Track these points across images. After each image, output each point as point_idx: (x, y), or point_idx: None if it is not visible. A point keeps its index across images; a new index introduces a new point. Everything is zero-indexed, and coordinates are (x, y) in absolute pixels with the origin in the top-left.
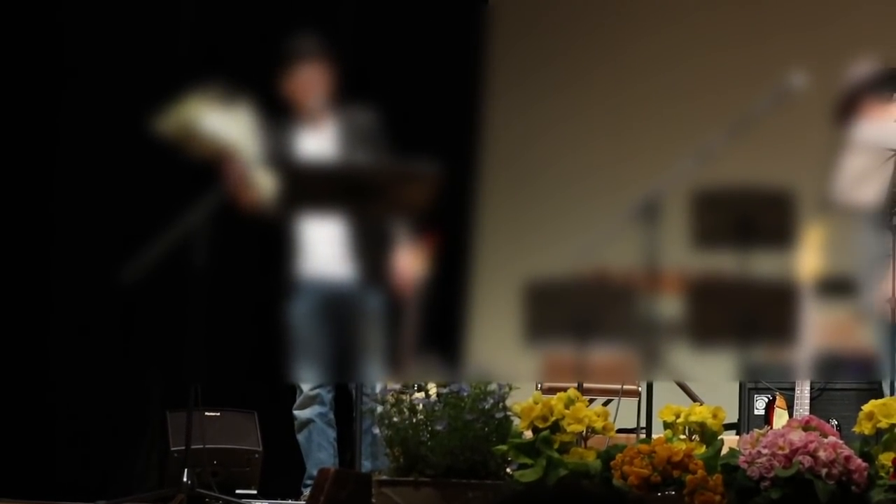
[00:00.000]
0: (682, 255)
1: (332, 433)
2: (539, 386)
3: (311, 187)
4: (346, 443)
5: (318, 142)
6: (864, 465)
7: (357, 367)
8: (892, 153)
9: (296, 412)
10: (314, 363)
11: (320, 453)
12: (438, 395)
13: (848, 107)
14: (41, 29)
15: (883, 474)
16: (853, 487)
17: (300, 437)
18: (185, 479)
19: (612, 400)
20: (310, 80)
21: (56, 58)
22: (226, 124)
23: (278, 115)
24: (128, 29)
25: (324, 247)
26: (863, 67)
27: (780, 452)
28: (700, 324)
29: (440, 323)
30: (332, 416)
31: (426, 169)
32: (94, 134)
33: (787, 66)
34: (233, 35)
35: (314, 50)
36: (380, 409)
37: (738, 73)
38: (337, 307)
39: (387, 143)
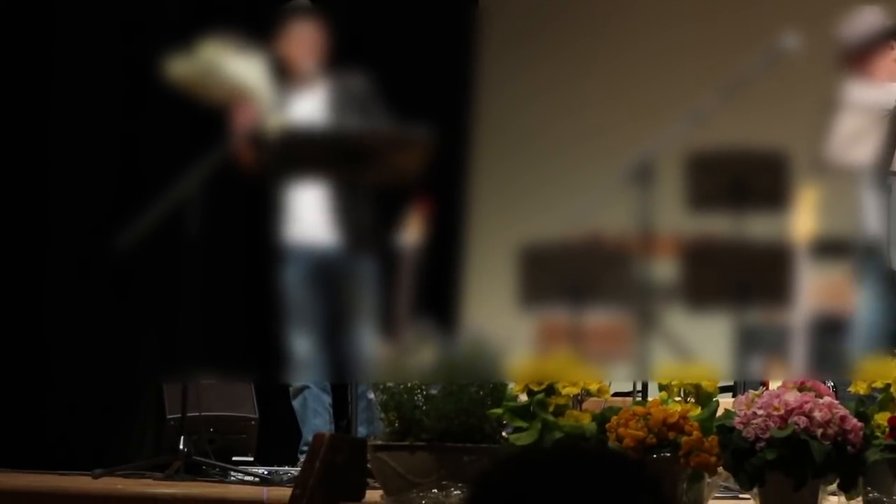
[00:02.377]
0: (676, 218)
1: (327, 399)
2: None
3: (303, 152)
4: (342, 408)
5: (309, 105)
6: (859, 425)
7: (350, 333)
8: (886, 113)
9: None
10: (307, 336)
11: (316, 419)
12: None
13: (858, 58)
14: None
15: (879, 434)
16: (849, 447)
17: (295, 403)
18: (181, 447)
19: None
20: (303, 42)
21: (48, 22)
22: (246, 68)
23: (275, 76)
24: None
25: (311, 212)
26: (870, 17)
27: (775, 413)
28: (695, 286)
29: (434, 289)
30: (326, 381)
31: (419, 134)
32: (87, 100)
33: (779, 27)
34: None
35: (308, 11)
36: None
37: (730, 35)
38: (327, 273)
39: (381, 110)
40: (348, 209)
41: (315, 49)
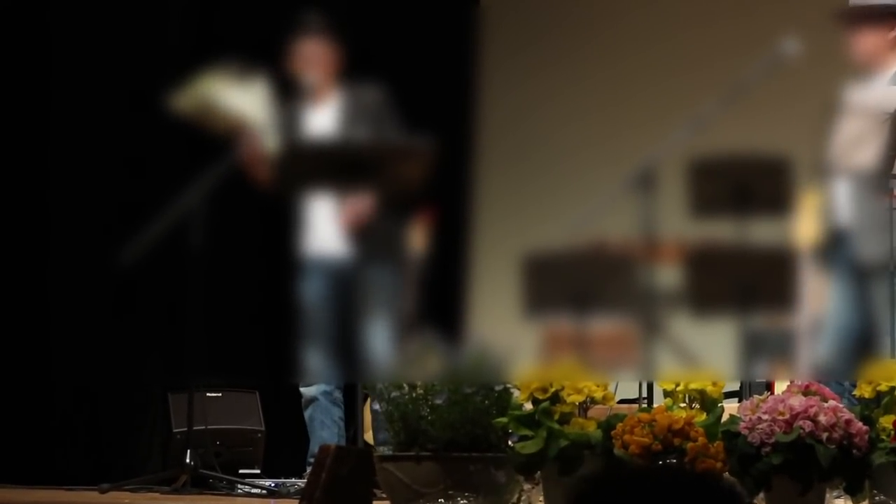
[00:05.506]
0: (679, 225)
1: (337, 411)
2: None
3: (307, 164)
4: (349, 417)
5: (320, 118)
6: (864, 428)
7: (364, 345)
8: (887, 117)
9: (302, 389)
10: (319, 345)
11: (323, 431)
12: None
13: (856, 20)
14: (34, 9)
15: (884, 437)
16: (854, 451)
17: (306, 414)
18: (188, 461)
19: None
20: (313, 55)
21: (46, 29)
22: (243, 99)
23: (282, 91)
24: (125, 9)
25: (323, 224)
26: None
27: (780, 418)
28: (699, 293)
29: (439, 298)
30: (338, 393)
31: (421, 145)
32: (90, 115)
33: (779, 32)
34: (231, 14)
35: (317, 25)
36: (379, 384)
37: (731, 41)
38: (342, 284)
39: (395, 122)
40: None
41: (326, 63)
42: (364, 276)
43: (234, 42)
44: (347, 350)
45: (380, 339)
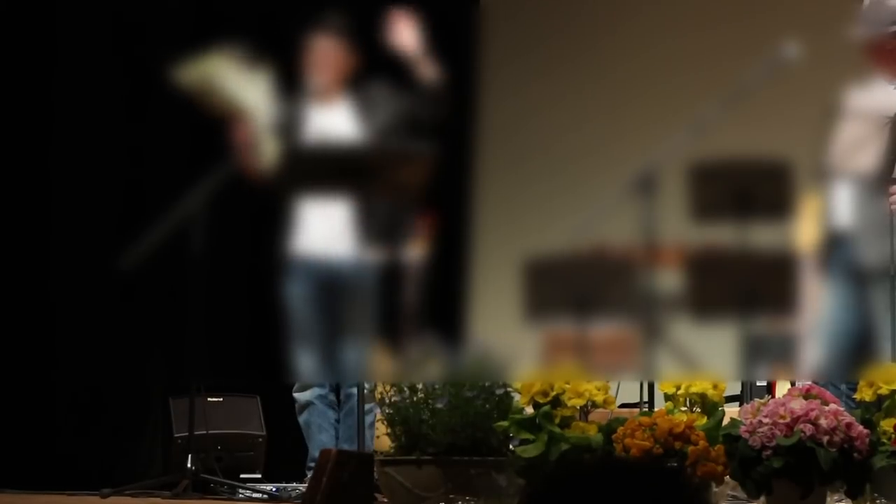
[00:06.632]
0: (680, 229)
1: (332, 414)
2: None
3: (307, 166)
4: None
5: (324, 119)
6: (865, 431)
7: (351, 352)
8: (888, 120)
9: (296, 394)
10: (311, 348)
11: (321, 435)
12: None
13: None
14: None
15: (885, 440)
16: (855, 454)
17: (301, 419)
18: (189, 465)
19: None
20: (324, 55)
21: (53, 29)
22: (244, 86)
23: (291, 88)
24: (131, 6)
25: (320, 226)
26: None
27: (781, 421)
28: (700, 296)
29: (440, 303)
30: (332, 397)
31: (421, 149)
32: (92, 115)
33: (779, 36)
34: (246, 7)
35: (334, 26)
36: (379, 388)
37: (731, 45)
38: (332, 289)
39: (404, 122)
40: (358, 224)
41: (337, 65)
42: (355, 280)
43: (245, 31)
44: (338, 352)
45: (366, 342)
